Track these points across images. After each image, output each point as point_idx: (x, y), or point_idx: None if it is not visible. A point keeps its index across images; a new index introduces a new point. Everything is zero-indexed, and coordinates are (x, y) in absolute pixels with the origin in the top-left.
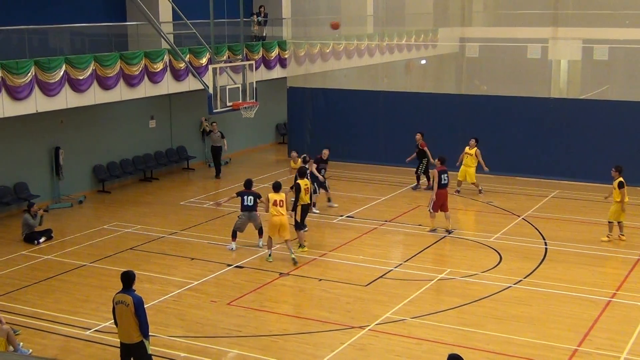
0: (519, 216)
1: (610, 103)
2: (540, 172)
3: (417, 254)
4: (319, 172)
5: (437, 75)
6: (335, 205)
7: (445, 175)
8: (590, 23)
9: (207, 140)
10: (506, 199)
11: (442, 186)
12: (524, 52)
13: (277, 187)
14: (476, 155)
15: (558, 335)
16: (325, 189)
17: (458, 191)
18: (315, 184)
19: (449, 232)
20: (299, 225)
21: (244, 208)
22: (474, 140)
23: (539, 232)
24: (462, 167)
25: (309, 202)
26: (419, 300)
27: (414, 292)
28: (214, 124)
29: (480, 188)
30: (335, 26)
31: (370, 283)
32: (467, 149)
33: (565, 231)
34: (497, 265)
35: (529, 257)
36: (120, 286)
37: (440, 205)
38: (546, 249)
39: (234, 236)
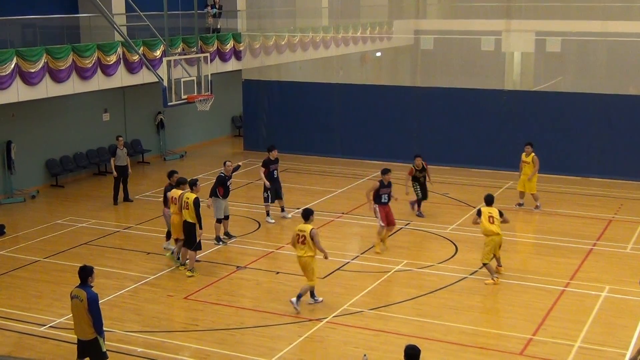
0: (474, 207)
1: (563, 95)
2: (495, 163)
3: (374, 246)
4: (273, 175)
5: (392, 68)
6: (289, 215)
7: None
8: (542, 15)
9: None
10: (461, 191)
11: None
12: (477, 45)
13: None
14: (533, 163)
15: (513, 325)
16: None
17: (520, 204)
18: (269, 191)
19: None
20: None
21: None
22: (529, 146)
23: None
24: (521, 176)
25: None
26: (376, 292)
27: (371, 283)
28: (120, 138)
29: (538, 204)
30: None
31: (328, 275)
32: (523, 156)
33: (520, 222)
34: (453, 256)
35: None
36: (75, 281)
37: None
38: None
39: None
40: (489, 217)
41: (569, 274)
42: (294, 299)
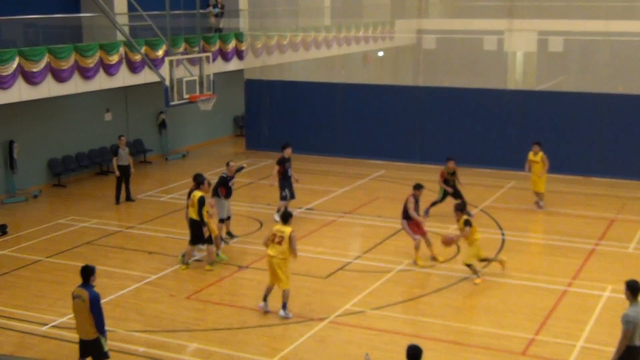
0: (476, 207)
1: (565, 94)
2: (497, 163)
3: (376, 245)
4: (287, 173)
5: (394, 67)
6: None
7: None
8: (545, 15)
9: (123, 156)
10: (464, 190)
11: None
12: (480, 44)
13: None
14: (542, 161)
15: (515, 325)
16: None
17: (537, 203)
18: (287, 189)
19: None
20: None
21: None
22: (536, 145)
23: (496, 222)
24: (532, 176)
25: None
26: (379, 292)
27: (373, 283)
28: (122, 137)
29: (541, 203)
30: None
31: (330, 275)
32: (531, 155)
33: (522, 221)
34: (455, 256)
35: (487, 248)
36: (77, 281)
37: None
38: (503, 239)
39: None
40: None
41: (571, 273)
42: (281, 312)
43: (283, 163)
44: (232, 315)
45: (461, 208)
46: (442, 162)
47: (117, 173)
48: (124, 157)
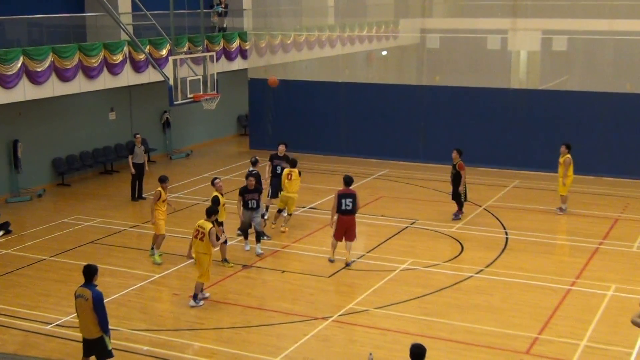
0: (480, 206)
1: (569, 93)
2: (501, 162)
3: (380, 244)
4: (276, 171)
5: (398, 67)
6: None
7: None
8: (548, 14)
9: (138, 153)
10: (467, 189)
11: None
12: (484, 43)
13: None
14: (565, 164)
15: (519, 324)
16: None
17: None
18: (270, 187)
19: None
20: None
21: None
22: (563, 146)
23: (500, 222)
24: (559, 179)
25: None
26: (382, 291)
27: (377, 282)
28: (138, 136)
29: (563, 206)
30: (273, 82)
31: (333, 274)
32: (560, 157)
33: (526, 221)
34: (458, 255)
35: (490, 247)
36: (81, 280)
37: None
38: (507, 238)
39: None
40: (288, 174)
41: (575, 272)
42: (191, 302)
43: (271, 159)
44: (235, 314)
45: (293, 164)
46: (446, 161)
47: (133, 170)
48: (140, 155)
